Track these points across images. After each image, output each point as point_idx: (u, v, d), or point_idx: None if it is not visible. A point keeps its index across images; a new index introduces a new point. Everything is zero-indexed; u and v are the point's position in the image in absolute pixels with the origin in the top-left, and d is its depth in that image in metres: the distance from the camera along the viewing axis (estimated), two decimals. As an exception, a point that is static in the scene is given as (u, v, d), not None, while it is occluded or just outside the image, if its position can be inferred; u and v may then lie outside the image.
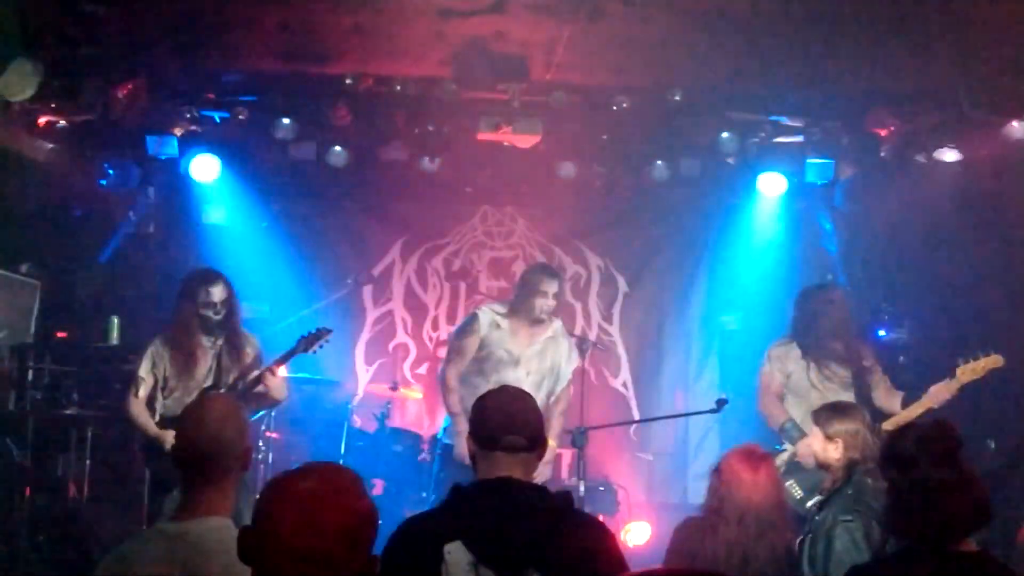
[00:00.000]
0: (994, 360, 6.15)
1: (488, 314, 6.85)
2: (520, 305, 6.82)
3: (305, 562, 2.12)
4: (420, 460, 7.87)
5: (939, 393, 6.13)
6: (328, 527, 2.14)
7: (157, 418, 6.40)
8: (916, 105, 7.65)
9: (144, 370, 6.45)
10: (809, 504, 5.17)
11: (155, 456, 6.22)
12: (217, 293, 6.42)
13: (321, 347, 6.65)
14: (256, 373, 6.40)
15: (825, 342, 6.73)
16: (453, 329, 7.13)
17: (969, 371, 6.14)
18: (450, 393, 6.75)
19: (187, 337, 6.47)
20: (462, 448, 6.30)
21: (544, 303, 6.76)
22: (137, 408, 6.39)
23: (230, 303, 6.48)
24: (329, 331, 6.66)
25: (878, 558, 3.91)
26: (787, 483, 5.69)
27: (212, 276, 6.51)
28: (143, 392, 6.42)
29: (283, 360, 6.57)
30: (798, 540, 4.49)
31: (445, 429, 7.01)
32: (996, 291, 8.05)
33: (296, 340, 6.59)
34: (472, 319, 6.91)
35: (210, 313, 6.41)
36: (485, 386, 6.38)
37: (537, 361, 6.80)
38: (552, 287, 6.80)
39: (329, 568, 2.12)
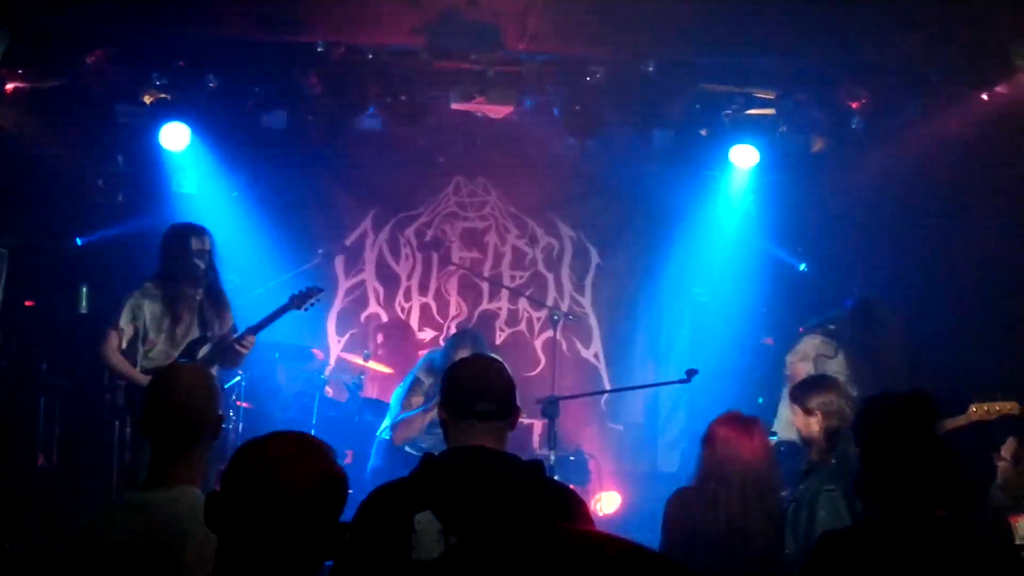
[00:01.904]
0: (1011, 406, 5.99)
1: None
2: None
3: (273, 527, 2.11)
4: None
5: (944, 426, 5.83)
6: (296, 492, 2.13)
7: (139, 369, 6.41)
8: (887, 77, 7.68)
9: (124, 320, 6.43)
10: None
11: (120, 409, 6.39)
12: (208, 242, 6.53)
13: (313, 305, 6.79)
14: (243, 332, 6.50)
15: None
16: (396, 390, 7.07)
17: (982, 411, 5.99)
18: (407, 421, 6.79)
19: (172, 290, 6.47)
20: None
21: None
22: (116, 357, 6.39)
23: (214, 255, 6.57)
24: (320, 289, 6.84)
25: (851, 526, 3.95)
26: None
27: (201, 227, 6.61)
28: (122, 342, 6.41)
29: (273, 318, 6.66)
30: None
31: (385, 428, 7.02)
32: (967, 263, 8.12)
33: (288, 298, 6.66)
34: (415, 381, 6.88)
35: (201, 262, 6.47)
36: (429, 440, 6.61)
37: None
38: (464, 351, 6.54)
39: (297, 533, 2.12)
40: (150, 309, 6.45)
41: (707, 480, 4.40)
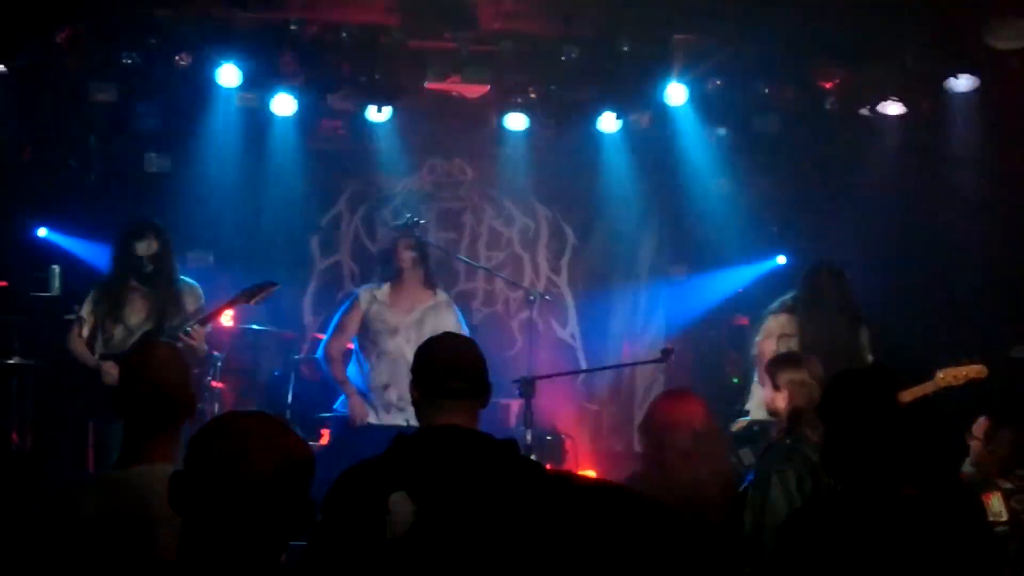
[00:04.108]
0: (977, 370, 6.02)
1: (367, 292, 7.14)
2: (390, 271, 7.14)
3: (236, 507, 2.09)
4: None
5: (912, 393, 5.92)
6: (261, 468, 2.11)
7: (98, 356, 6.56)
8: (860, 57, 7.70)
9: (85, 311, 6.65)
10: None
11: (94, 389, 6.36)
12: (143, 248, 6.54)
13: (264, 300, 6.73)
14: (191, 321, 6.48)
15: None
16: (337, 309, 7.42)
17: (950, 376, 6.02)
18: (332, 363, 7.06)
19: (120, 285, 6.64)
20: (355, 410, 6.91)
21: (402, 255, 7.07)
22: (76, 343, 6.62)
23: (161, 256, 6.60)
24: (275, 285, 6.74)
25: (817, 503, 3.98)
26: (740, 450, 5.81)
27: (141, 230, 6.65)
28: (84, 331, 6.63)
29: (224, 308, 6.66)
30: (741, 488, 4.57)
31: (341, 401, 7.16)
32: (938, 242, 8.19)
33: (239, 290, 6.63)
34: (353, 299, 7.18)
35: (138, 266, 6.58)
36: (368, 361, 7.03)
37: (416, 330, 6.95)
38: (416, 253, 7.11)
39: (261, 513, 2.11)
40: (108, 300, 6.63)
41: (652, 452, 4.42)
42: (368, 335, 7.06)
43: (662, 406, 4.53)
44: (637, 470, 4.67)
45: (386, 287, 7.13)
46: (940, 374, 6.04)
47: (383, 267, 7.34)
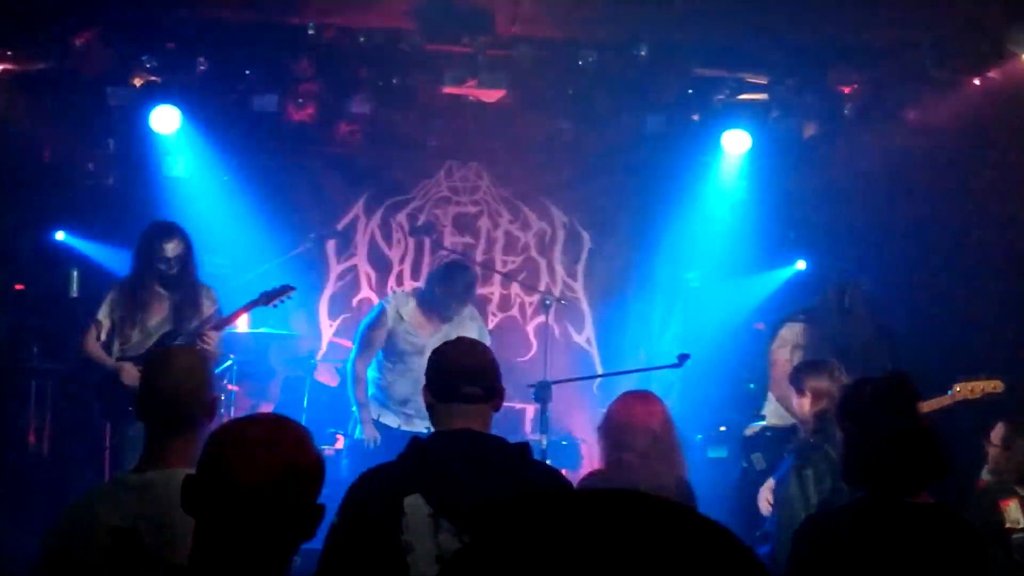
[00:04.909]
0: (993, 385, 6.03)
1: (393, 308, 7.02)
2: (435, 302, 6.97)
3: (248, 508, 2.10)
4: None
5: (929, 406, 5.74)
6: (272, 471, 2.12)
7: (115, 359, 6.53)
8: (878, 62, 7.68)
9: (102, 314, 6.60)
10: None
11: (111, 392, 6.36)
12: (171, 248, 6.50)
13: (282, 303, 6.73)
14: (208, 323, 6.49)
15: None
16: (362, 321, 7.29)
17: (966, 390, 6.03)
18: (357, 383, 6.98)
19: (140, 287, 6.60)
20: (367, 433, 6.87)
21: (461, 306, 7.01)
22: (92, 346, 6.57)
23: (185, 258, 6.57)
24: (292, 288, 6.76)
25: (834, 509, 3.97)
26: (753, 455, 5.80)
27: (168, 231, 6.60)
28: (100, 334, 6.59)
29: (241, 312, 6.68)
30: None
31: (354, 428, 7.14)
32: (958, 249, 8.14)
33: (258, 293, 6.64)
34: (380, 312, 7.05)
35: (163, 267, 6.51)
36: (390, 374, 6.99)
37: None
38: (473, 292, 7.10)
39: (272, 513, 2.11)
40: (125, 303, 6.59)
41: (610, 452, 4.40)
42: (394, 350, 6.99)
43: (621, 406, 4.50)
44: (595, 469, 4.67)
45: (413, 303, 7.02)
46: (957, 387, 6.05)
47: (437, 296, 6.97)
